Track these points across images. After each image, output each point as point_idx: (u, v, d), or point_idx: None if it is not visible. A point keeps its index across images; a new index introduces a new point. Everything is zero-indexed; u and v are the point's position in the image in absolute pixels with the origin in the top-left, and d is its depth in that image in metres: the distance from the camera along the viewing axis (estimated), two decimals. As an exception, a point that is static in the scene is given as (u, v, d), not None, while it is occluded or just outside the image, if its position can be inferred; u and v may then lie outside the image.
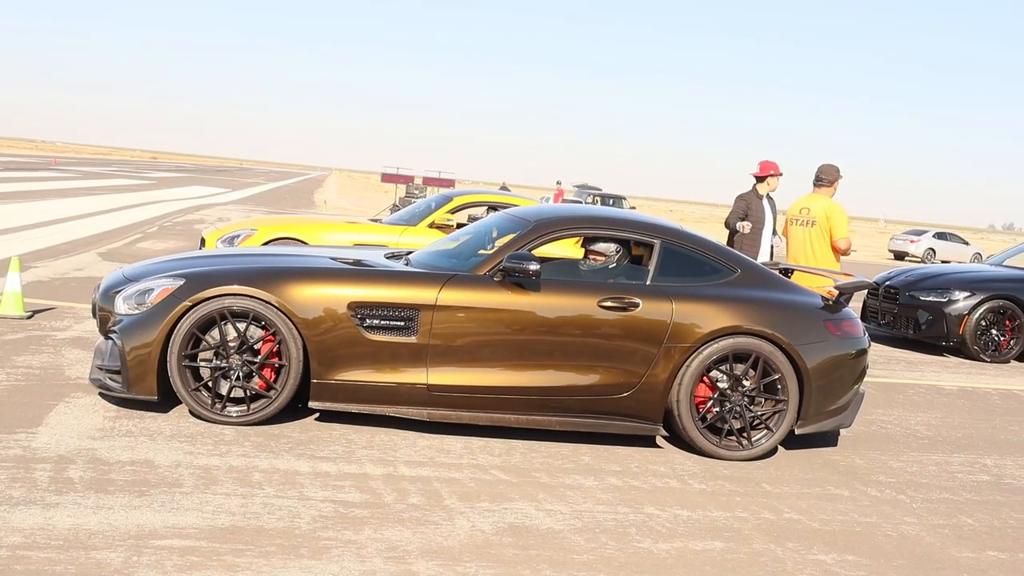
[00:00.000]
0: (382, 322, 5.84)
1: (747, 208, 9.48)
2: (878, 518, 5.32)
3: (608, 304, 6.00)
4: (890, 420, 7.87)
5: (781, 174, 9.60)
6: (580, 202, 42.09)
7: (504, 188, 37.26)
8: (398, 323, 5.85)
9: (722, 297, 6.15)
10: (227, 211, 29.22)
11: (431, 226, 10.87)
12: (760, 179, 9.56)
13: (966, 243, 45.57)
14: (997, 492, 6.09)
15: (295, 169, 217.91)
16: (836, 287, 6.66)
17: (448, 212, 11.06)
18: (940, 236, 45.30)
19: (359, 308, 5.81)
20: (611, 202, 46.85)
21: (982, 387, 9.97)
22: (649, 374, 6.01)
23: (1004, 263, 13.87)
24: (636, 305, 6.01)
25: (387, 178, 40.14)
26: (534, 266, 5.86)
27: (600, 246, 6.55)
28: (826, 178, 8.88)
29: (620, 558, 4.35)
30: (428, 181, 39.97)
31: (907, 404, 8.65)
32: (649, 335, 6.00)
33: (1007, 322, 11.93)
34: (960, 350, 11.95)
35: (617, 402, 6.05)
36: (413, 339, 5.85)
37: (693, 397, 6.08)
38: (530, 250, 6.12)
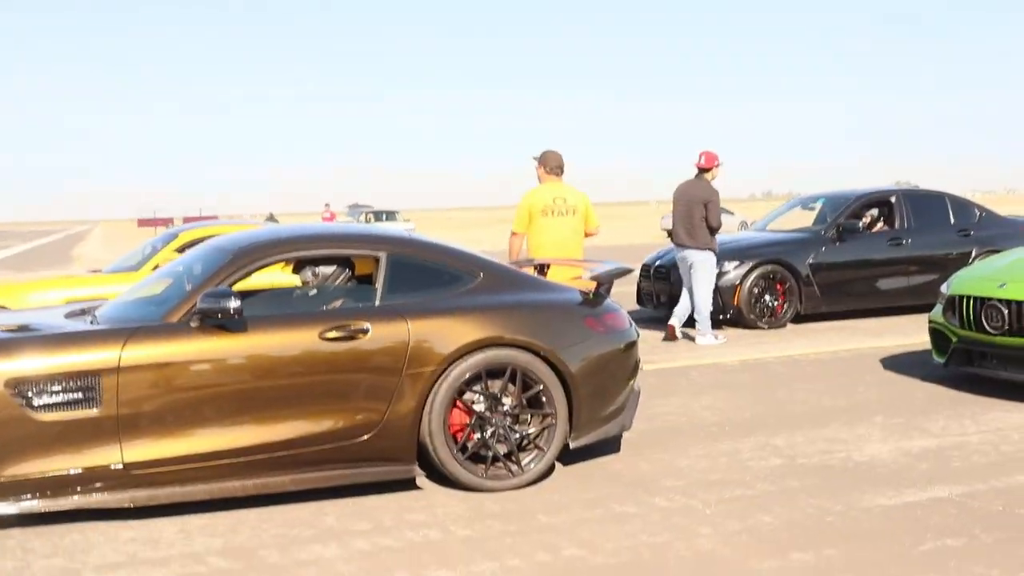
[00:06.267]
0: (54, 398, 4.72)
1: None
2: (669, 535, 4.63)
3: (332, 335, 5.08)
4: (673, 410, 7.28)
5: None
6: (353, 223, 41.02)
7: (271, 219, 35.73)
8: (75, 395, 4.75)
9: (464, 308, 5.34)
10: (-39, 281, 26.50)
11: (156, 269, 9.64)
12: (706, 170, 10.37)
13: (731, 213, 47.15)
14: (791, 476, 5.53)
15: (60, 226, 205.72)
16: (593, 277, 5.96)
17: (176, 251, 9.84)
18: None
19: (20, 385, 4.67)
20: (384, 217, 45.99)
21: (763, 357, 9.62)
22: (392, 409, 5.13)
23: (767, 228, 13.82)
24: (365, 331, 5.12)
25: (143, 223, 37.91)
26: (234, 303, 4.86)
27: (318, 269, 5.63)
28: (561, 165, 8.40)
29: (357, 659, 3.44)
30: (189, 220, 37.91)
31: (690, 388, 8.13)
32: (385, 364, 5.13)
33: (778, 286, 11.75)
34: (738, 321, 11.69)
35: (361, 447, 5.14)
36: (95, 412, 4.75)
37: (448, 426, 5.24)
38: (230, 285, 5.12)
